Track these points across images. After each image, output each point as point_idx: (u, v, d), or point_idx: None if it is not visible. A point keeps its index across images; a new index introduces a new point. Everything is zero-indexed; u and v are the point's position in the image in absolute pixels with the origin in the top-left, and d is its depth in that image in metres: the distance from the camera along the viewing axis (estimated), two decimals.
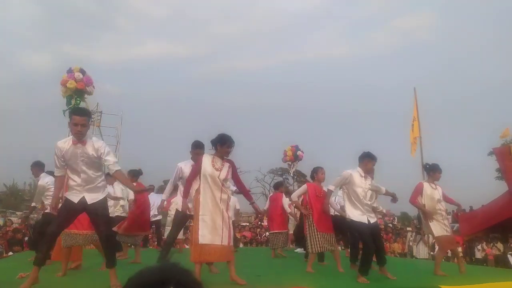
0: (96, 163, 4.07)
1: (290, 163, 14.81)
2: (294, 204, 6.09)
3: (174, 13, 72.25)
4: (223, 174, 4.44)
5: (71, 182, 4.05)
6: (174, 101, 62.06)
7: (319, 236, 5.71)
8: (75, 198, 4.01)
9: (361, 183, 5.14)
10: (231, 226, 4.55)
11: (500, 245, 13.36)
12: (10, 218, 19.53)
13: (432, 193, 5.64)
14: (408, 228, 17.12)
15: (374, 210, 5.40)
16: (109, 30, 73.58)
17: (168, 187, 5.76)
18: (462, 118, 52.72)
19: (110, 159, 4.08)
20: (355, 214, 5.05)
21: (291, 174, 16.11)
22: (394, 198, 5.53)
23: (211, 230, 4.29)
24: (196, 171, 4.57)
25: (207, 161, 4.48)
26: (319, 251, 5.75)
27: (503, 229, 14.11)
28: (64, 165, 4.03)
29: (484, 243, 13.54)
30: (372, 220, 5.10)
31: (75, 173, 4.02)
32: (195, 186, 4.64)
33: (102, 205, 4.11)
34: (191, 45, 71.70)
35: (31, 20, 68.33)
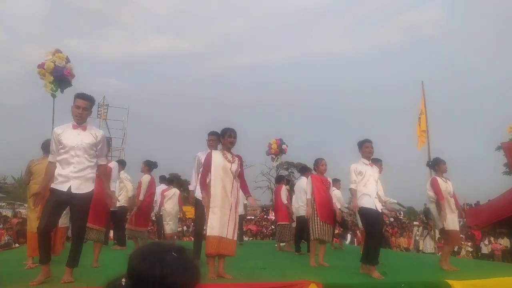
0: (91, 151, 3.97)
1: (274, 156, 14.68)
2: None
3: (178, 9, 72.25)
4: (234, 167, 4.50)
5: (60, 170, 3.87)
6: (179, 95, 62.19)
7: (320, 223, 5.75)
8: (63, 186, 3.84)
9: (368, 171, 5.13)
10: (237, 220, 4.54)
11: (506, 240, 13.28)
12: (19, 210, 19.77)
13: (446, 186, 5.69)
14: (415, 223, 17.06)
15: (380, 200, 5.32)
16: (114, 25, 73.74)
17: (194, 177, 5.77)
18: (469, 112, 52.33)
19: (105, 149, 4.14)
20: (364, 201, 5.01)
21: (275, 168, 15.99)
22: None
23: (220, 222, 4.31)
24: (206, 166, 4.56)
25: (217, 155, 4.54)
26: (320, 238, 5.76)
27: (510, 224, 14.05)
28: (59, 150, 3.92)
29: (492, 238, 13.47)
30: (379, 209, 5.07)
31: (67, 160, 3.89)
32: (206, 179, 4.67)
33: (87, 199, 3.96)
34: (195, 41, 71.68)
35: (37, 15, 68.58)
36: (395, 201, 6.99)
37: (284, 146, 14.30)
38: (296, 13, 74.28)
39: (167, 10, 73.36)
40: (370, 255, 4.88)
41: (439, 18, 65.36)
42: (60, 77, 6.92)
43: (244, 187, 4.79)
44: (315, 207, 5.86)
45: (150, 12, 72.16)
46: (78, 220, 3.97)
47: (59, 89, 7.10)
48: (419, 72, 49.11)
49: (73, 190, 3.84)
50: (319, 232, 5.73)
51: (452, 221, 5.60)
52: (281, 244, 8.31)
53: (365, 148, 5.19)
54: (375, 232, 4.98)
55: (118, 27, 73.74)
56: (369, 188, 5.04)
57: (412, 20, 66.52)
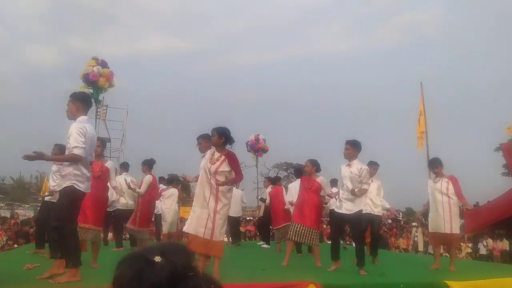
0: (68, 145, 3.92)
1: (253, 154, 14.43)
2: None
3: (178, 8, 72.34)
4: (214, 167, 4.42)
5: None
6: (179, 95, 62.23)
7: (292, 224, 5.87)
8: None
9: (345, 172, 5.19)
10: (219, 221, 4.36)
11: (505, 242, 13.28)
12: (17, 211, 19.74)
13: (434, 186, 5.70)
14: (414, 224, 17.06)
15: (353, 193, 5.12)
16: (114, 24, 73.81)
17: None
18: (468, 113, 52.39)
19: (71, 141, 3.83)
20: (336, 204, 5.26)
21: (256, 165, 15.76)
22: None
23: (197, 221, 4.33)
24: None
25: (207, 155, 4.62)
26: (290, 238, 5.87)
27: (509, 225, 14.05)
28: None
29: (490, 239, 13.48)
30: (350, 211, 5.08)
31: None
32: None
33: (60, 195, 3.94)
34: (196, 41, 71.79)
35: (37, 14, 68.62)
36: (388, 207, 7.02)
37: (265, 145, 14.17)
38: (296, 12, 74.65)
39: (167, 9, 73.59)
40: (333, 253, 5.23)
41: (439, 18, 65.61)
42: (89, 81, 7.40)
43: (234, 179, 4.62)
44: (293, 207, 6.09)
45: (150, 11, 72.46)
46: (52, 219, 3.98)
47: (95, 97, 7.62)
48: (418, 73, 49.08)
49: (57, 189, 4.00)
50: (289, 232, 5.88)
51: (436, 222, 5.60)
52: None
53: (344, 150, 5.29)
54: (332, 233, 5.42)
55: (118, 26, 73.95)
56: (342, 190, 5.23)
57: (411, 21, 66.73)
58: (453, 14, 66.82)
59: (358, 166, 5.18)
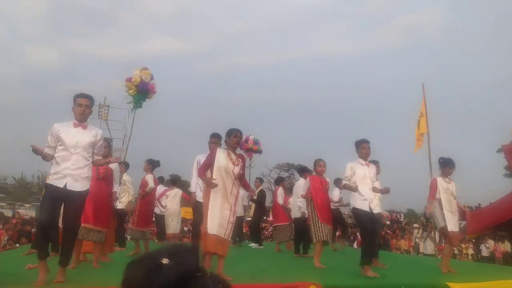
0: (90, 150, 4.03)
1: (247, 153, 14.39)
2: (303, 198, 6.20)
3: (179, 9, 72.50)
4: (237, 169, 4.46)
5: (57, 167, 3.90)
6: (180, 96, 62.23)
7: (322, 225, 5.72)
8: (59, 183, 3.87)
9: (364, 172, 5.12)
10: (234, 221, 4.52)
11: (507, 244, 13.27)
12: (18, 210, 19.79)
13: (446, 186, 5.62)
14: (415, 225, 17.06)
15: (375, 190, 5.27)
16: (115, 26, 74.05)
17: (194, 179, 5.76)
18: (470, 115, 52.34)
19: (101, 149, 4.24)
20: (357, 202, 5.03)
21: (249, 166, 15.68)
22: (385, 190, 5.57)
23: (220, 221, 4.31)
24: (208, 161, 4.52)
25: (221, 154, 4.48)
26: (324, 239, 5.74)
27: (511, 227, 14.02)
28: (54, 146, 3.94)
29: (492, 240, 13.46)
30: (375, 210, 5.04)
31: (66, 157, 3.91)
32: (205, 172, 4.64)
33: (82, 197, 3.99)
34: (197, 42, 71.90)
35: (37, 15, 68.83)
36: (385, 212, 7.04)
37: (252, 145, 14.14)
38: (297, 13, 74.70)
39: (168, 10, 73.83)
40: (367, 256, 4.91)
41: (440, 19, 65.64)
42: (144, 91, 7.88)
43: (246, 185, 4.89)
44: (314, 209, 5.84)
45: (151, 12, 72.68)
46: (71, 218, 3.96)
47: (135, 103, 8.08)
48: (419, 73, 49.06)
49: (69, 187, 3.86)
50: (322, 234, 5.71)
51: (454, 222, 5.55)
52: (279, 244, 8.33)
53: (361, 149, 5.21)
54: (367, 233, 5.07)
55: (119, 27, 74.17)
56: (363, 189, 5.03)
57: (412, 21, 66.86)
58: (453, 14, 66.79)
59: (373, 166, 5.30)
